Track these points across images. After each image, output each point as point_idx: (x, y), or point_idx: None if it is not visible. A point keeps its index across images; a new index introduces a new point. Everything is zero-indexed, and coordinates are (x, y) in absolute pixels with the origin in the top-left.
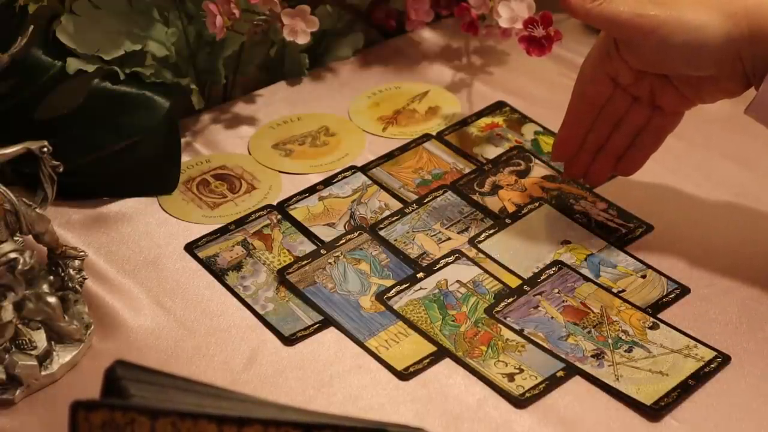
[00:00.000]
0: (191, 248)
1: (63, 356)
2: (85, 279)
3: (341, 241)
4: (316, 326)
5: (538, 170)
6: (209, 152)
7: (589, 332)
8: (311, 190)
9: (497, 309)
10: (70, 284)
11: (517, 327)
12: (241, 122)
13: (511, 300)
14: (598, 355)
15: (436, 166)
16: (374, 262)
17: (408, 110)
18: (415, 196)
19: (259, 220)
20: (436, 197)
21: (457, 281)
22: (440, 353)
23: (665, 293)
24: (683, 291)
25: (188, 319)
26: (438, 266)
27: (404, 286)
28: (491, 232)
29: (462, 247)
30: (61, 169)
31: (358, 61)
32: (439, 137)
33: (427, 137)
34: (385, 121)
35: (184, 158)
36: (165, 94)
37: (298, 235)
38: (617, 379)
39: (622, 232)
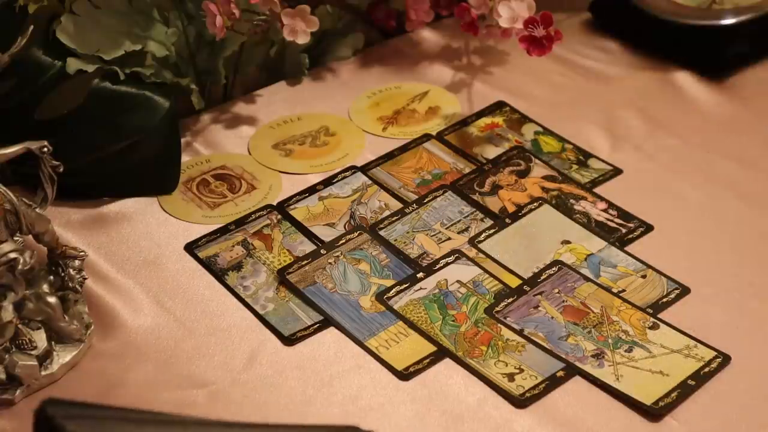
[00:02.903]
0: (191, 248)
1: (63, 356)
2: (85, 279)
3: (341, 241)
4: (316, 326)
5: (538, 170)
6: (209, 152)
7: (589, 332)
8: (311, 190)
9: (497, 309)
10: (70, 284)
11: (517, 327)
12: (241, 122)
13: (511, 300)
14: (598, 355)
15: (436, 166)
16: (374, 262)
17: (408, 110)
18: (415, 196)
19: (259, 220)
20: (436, 197)
21: (457, 281)
22: (440, 353)
23: (665, 293)
24: (683, 291)
25: (188, 319)
26: (438, 266)
27: (404, 286)
28: (491, 232)
29: (462, 247)
30: (61, 169)
31: (358, 61)
32: (439, 137)
33: (427, 137)
34: (385, 121)
35: (184, 158)
36: (165, 94)
37: (298, 235)
38: (617, 379)
39: (622, 232)
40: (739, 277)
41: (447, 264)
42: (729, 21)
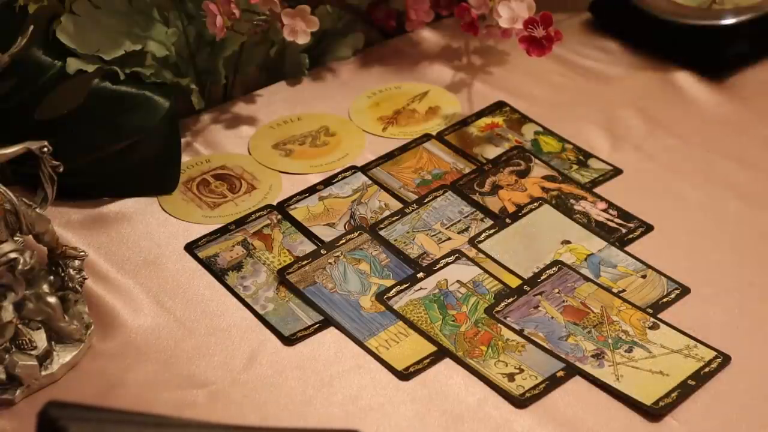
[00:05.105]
0: (191, 248)
1: (63, 356)
2: (85, 279)
3: (341, 241)
4: (316, 326)
5: (538, 170)
6: (209, 152)
7: (589, 332)
8: (311, 190)
9: (497, 309)
10: (70, 284)
11: (517, 327)
12: (241, 122)
13: (511, 300)
14: (598, 355)
15: (436, 166)
16: (374, 262)
17: (408, 110)
18: (415, 196)
19: (259, 220)
20: (436, 197)
21: (458, 281)
22: (440, 353)
23: (665, 293)
24: (683, 291)
25: (188, 319)
26: (438, 266)
27: (404, 286)
28: (491, 232)
29: (462, 247)
30: (61, 169)
31: (358, 61)
32: (439, 137)
33: (427, 137)
34: (385, 121)
35: (184, 158)
36: (165, 94)
37: (298, 235)
38: (617, 379)
39: (622, 232)
40: (739, 277)
41: (447, 264)
42: (729, 21)
